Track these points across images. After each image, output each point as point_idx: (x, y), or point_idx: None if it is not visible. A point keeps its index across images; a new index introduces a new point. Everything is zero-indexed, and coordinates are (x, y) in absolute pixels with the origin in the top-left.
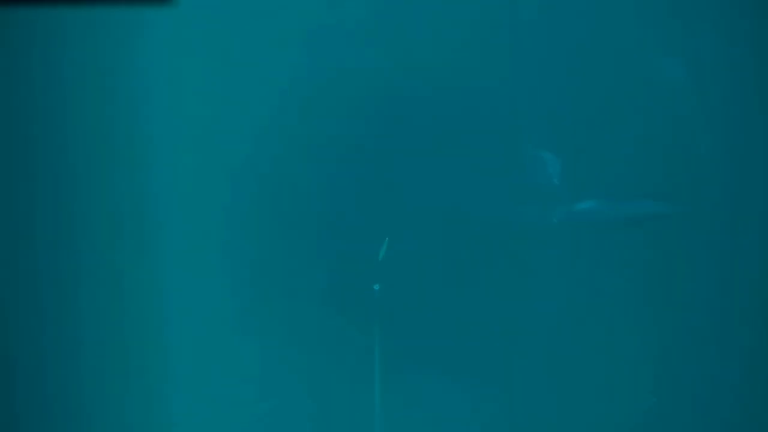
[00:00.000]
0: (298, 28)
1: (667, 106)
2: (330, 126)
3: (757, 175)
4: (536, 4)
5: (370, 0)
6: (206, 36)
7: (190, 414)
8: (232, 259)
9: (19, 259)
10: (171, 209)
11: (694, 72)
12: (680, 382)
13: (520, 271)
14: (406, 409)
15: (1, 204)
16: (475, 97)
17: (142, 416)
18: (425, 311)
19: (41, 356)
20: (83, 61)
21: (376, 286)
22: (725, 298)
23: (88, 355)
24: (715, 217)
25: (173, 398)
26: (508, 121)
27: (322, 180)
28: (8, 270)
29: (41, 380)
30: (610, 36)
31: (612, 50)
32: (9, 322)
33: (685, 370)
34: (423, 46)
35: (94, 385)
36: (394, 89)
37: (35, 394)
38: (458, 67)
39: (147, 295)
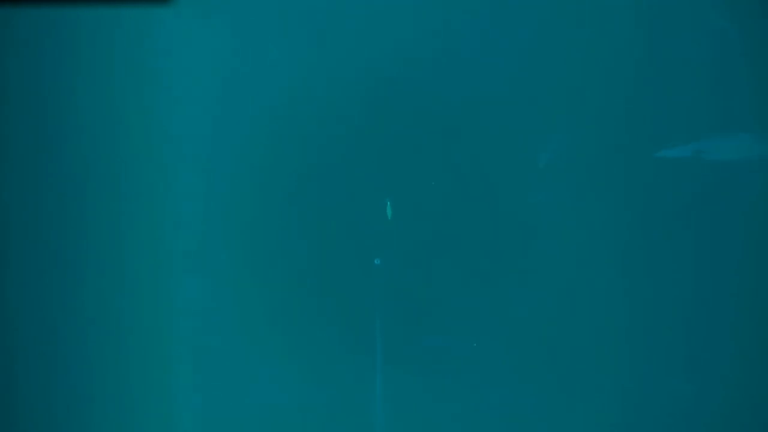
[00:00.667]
0: (297, 27)
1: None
2: (327, 118)
3: None
4: None
5: None
6: (205, 36)
7: (190, 409)
8: (231, 240)
9: (23, 257)
10: (169, 202)
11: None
12: (682, 374)
13: (522, 252)
14: (407, 389)
15: (1, 203)
16: (476, 67)
17: (144, 414)
18: (426, 286)
19: (42, 356)
20: (82, 60)
21: (377, 261)
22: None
23: (89, 355)
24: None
25: (173, 392)
26: (509, 97)
27: (321, 163)
28: (11, 269)
29: (42, 380)
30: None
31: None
32: (11, 322)
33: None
34: (420, 33)
35: (95, 385)
36: (392, 79)
37: (36, 394)
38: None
39: (147, 284)
